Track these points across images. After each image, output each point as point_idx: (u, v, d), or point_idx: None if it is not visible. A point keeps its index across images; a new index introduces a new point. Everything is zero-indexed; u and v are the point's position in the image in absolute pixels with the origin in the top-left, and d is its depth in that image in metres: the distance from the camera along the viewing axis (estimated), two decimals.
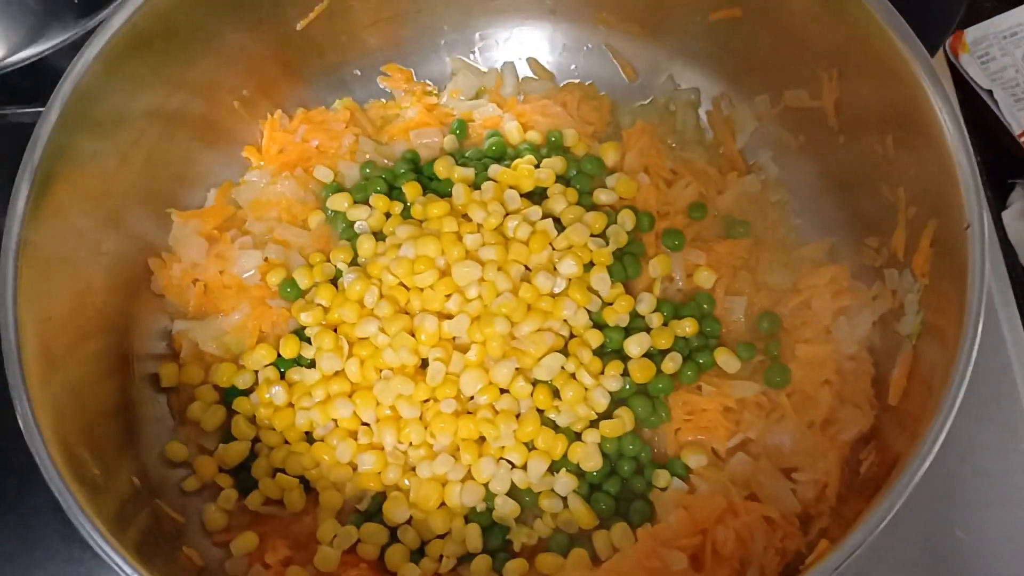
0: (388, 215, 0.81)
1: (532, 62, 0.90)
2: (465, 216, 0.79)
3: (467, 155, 0.85)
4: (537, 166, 0.82)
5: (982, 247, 0.59)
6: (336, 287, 0.78)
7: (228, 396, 0.76)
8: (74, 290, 0.70)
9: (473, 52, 0.90)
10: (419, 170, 0.85)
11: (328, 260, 0.80)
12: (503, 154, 0.84)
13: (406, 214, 0.81)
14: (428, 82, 0.90)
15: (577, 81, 0.90)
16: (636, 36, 0.86)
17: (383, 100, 0.90)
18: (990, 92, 0.93)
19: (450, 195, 0.80)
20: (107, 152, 0.72)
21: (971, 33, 0.95)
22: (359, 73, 0.88)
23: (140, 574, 0.57)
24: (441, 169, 0.82)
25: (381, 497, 0.72)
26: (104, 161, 0.72)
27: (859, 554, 0.56)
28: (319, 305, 0.77)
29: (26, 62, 0.88)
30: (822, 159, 0.78)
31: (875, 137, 0.70)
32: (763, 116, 0.82)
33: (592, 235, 0.78)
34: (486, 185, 0.79)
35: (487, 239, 0.76)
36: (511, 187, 0.80)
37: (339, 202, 0.82)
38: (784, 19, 0.73)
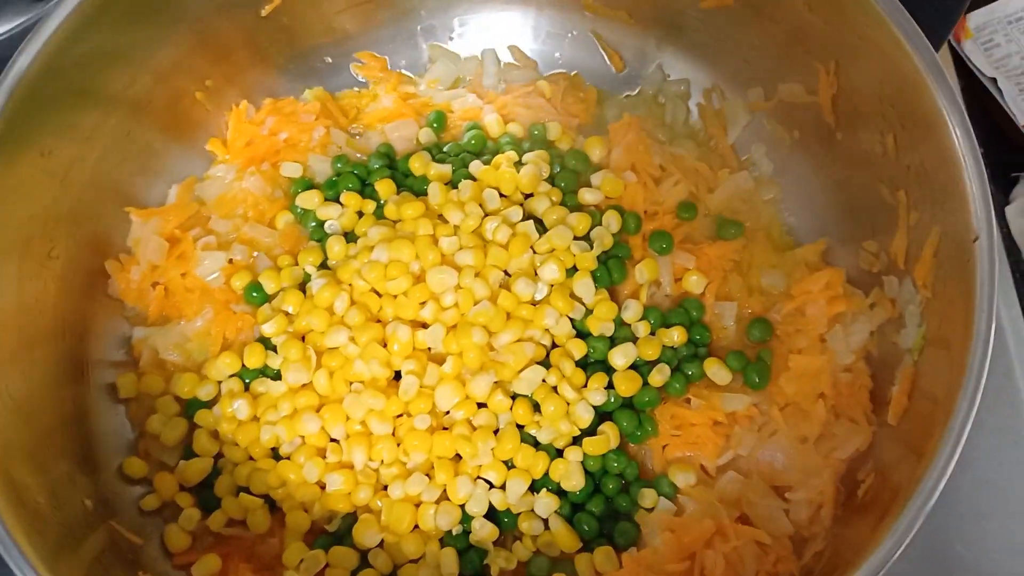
0: (360, 214, 0.77)
1: (514, 50, 0.85)
2: (441, 217, 0.74)
3: (445, 150, 0.81)
4: (519, 161, 0.77)
5: (991, 261, 0.55)
6: (304, 292, 0.74)
7: (190, 408, 0.72)
8: (21, 292, 0.65)
9: (452, 39, 0.85)
10: (393, 165, 0.80)
11: (296, 263, 0.76)
12: (483, 148, 0.80)
13: (379, 213, 0.77)
14: (404, 71, 0.85)
15: (562, 71, 0.85)
16: (624, 23, 0.81)
17: (356, 89, 0.85)
18: (994, 80, 0.90)
19: (426, 194, 0.76)
20: (62, 143, 0.68)
21: (974, 18, 0.92)
22: (330, 61, 0.84)
23: None
24: (417, 166, 0.78)
25: (351, 519, 0.68)
26: (59, 153, 0.67)
27: None
28: (285, 312, 0.73)
29: None
30: (818, 156, 0.74)
31: (875, 135, 0.66)
32: (757, 110, 0.78)
33: (576, 238, 0.74)
34: (464, 184, 0.75)
35: (464, 242, 0.72)
36: (490, 187, 0.76)
37: (309, 199, 0.77)
38: (779, 8, 0.69)
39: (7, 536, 0.53)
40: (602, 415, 0.71)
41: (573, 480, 0.68)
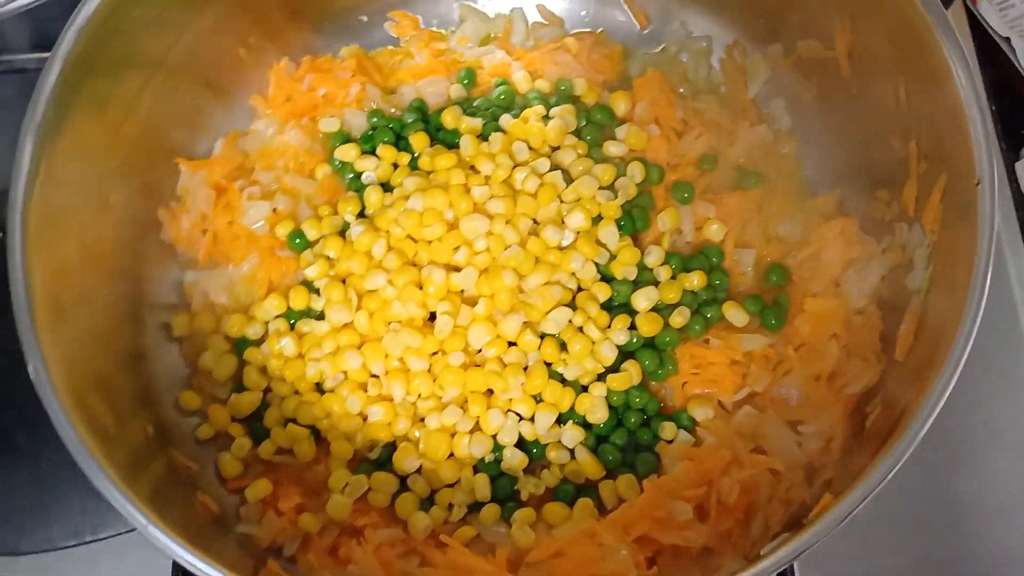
0: (396, 166, 0.81)
1: (541, 8, 0.89)
2: (473, 168, 0.78)
3: (475, 104, 0.84)
4: (547, 116, 0.81)
5: (992, 203, 0.58)
6: (344, 239, 0.78)
7: (239, 346, 0.77)
8: (83, 241, 0.70)
9: None
10: (426, 119, 0.84)
11: (335, 212, 0.80)
12: (512, 103, 0.84)
13: (413, 165, 0.81)
14: (436, 29, 0.89)
15: (588, 29, 0.88)
16: None
17: (390, 47, 0.88)
18: (1008, 40, 0.91)
19: (457, 146, 0.80)
20: (113, 101, 0.72)
21: None
22: (366, 19, 0.87)
23: (152, 522, 0.58)
24: (449, 119, 0.82)
25: (391, 447, 0.73)
26: (110, 111, 0.72)
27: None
28: (327, 257, 0.77)
29: (24, 8, 0.86)
30: (835, 110, 0.78)
31: (888, 88, 0.69)
32: (776, 65, 0.81)
33: (601, 187, 0.77)
34: (494, 136, 0.79)
35: (495, 191, 0.76)
36: (519, 140, 0.80)
37: (346, 152, 0.81)
38: None
39: (85, 452, 0.58)
40: (625, 354, 0.75)
41: (597, 413, 0.72)
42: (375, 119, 0.83)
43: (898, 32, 0.65)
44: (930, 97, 0.64)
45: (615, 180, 0.78)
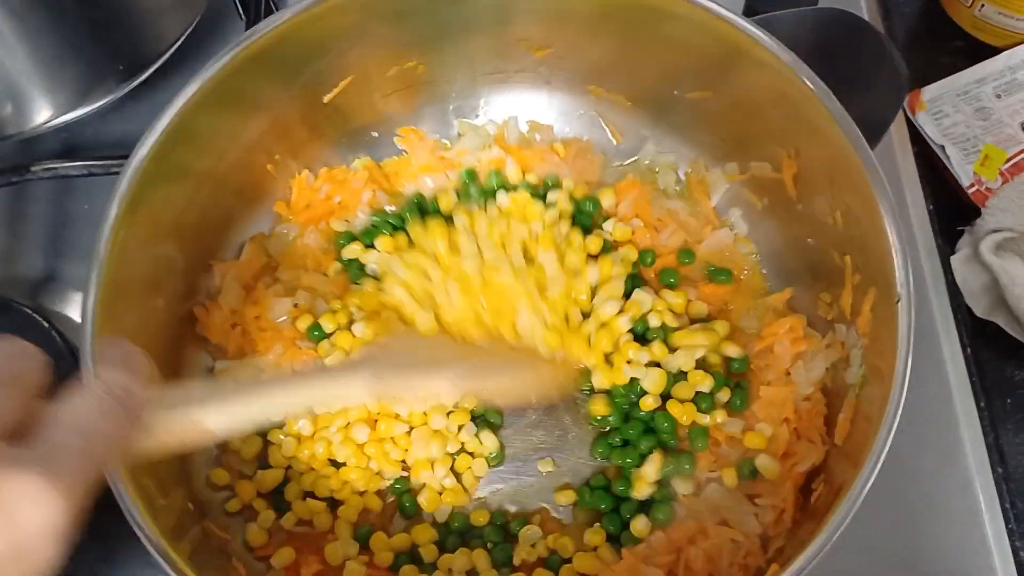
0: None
1: (531, 123, 1.00)
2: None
3: (470, 191, 0.95)
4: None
5: (909, 316, 0.69)
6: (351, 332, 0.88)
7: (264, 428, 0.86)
8: (134, 328, 0.79)
9: (478, 115, 1.00)
10: (424, 209, 0.94)
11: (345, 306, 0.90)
12: (503, 186, 0.94)
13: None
14: (439, 138, 1.00)
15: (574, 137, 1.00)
16: (622, 105, 0.96)
17: (396, 156, 0.99)
18: (943, 147, 1.02)
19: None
20: (164, 215, 0.82)
21: (928, 92, 1.05)
22: (376, 135, 0.99)
23: None
24: (444, 202, 0.93)
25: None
26: (162, 223, 0.82)
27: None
28: (340, 348, 0.87)
29: (69, 122, 0.96)
30: (783, 221, 0.89)
31: (827, 211, 0.81)
32: (733, 180, 0.93)
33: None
34: (489, 212, 0.90)
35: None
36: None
37: (351, 250, 0.92)
38: (749, 103, 0.84)
39: (142, 522, 0.67)
40: None
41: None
42: (375, 217, 0.94)
43: (833, 168, 0.77)
44: (860, 224, 0.75)
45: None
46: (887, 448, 0.68)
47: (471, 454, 0.85)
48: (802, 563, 0.67)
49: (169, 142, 0.77)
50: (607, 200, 0.94)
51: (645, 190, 0.94)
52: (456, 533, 0.83)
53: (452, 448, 0.85)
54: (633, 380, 0.85)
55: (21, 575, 0.39)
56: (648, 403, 0.85)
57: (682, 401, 0.84)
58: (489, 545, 0.81)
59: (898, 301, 0.70)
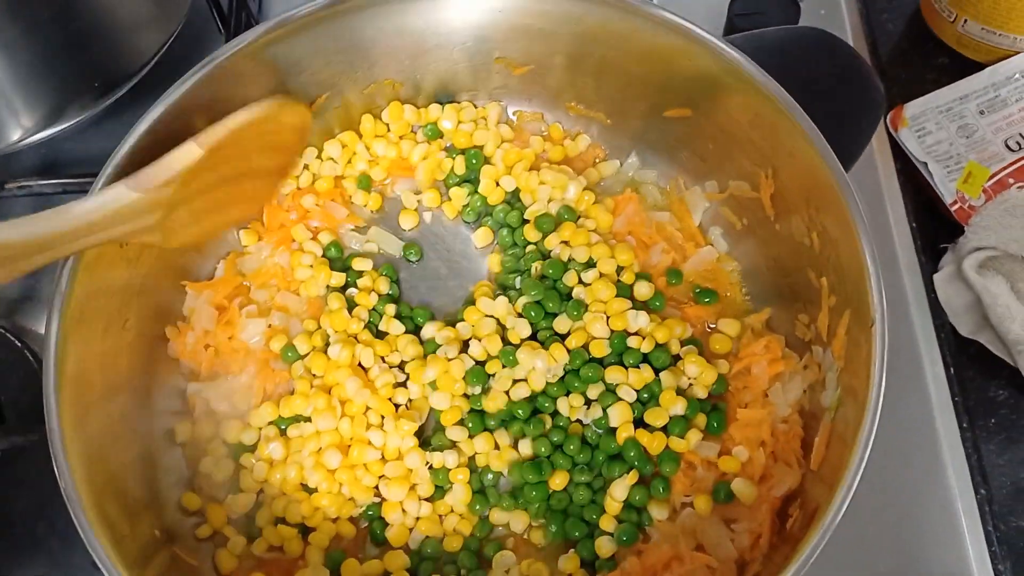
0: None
1: (519, 113, 0.99)
2: None
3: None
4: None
5: (883, 340, 0.68)
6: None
7: (236, 451, 0.85)
8: (103, 351, 0.78)
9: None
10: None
11: (319, 326, 0.89)
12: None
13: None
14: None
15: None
16: (602, 123, 0.96)
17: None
18: (925, 164, 1.02)
19: None
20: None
21: (911, 108, 1.04)
22: None
23: None
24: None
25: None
26: (130, 246, 0.80)
27: None
28: (312, 373, 0.87)
29: (44, 139, 0.96)
30: (762, 240, 0.88)
31: (804, 231, 0.80)
32: (712, 199, 0.92)
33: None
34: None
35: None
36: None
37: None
38: (727, 122, 0.84)
39: (102, 552, 0.67)
40: None
41: None
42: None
43: (809, 189, 0.76)
44: (836, 246, 0.74)
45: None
46: (860, 472, 0.67)
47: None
48: None
49: (137, 160, 0.76)
50: (603, 217, 0.93)
51: (640, 207, 0.94)
52: (429, 559, 0.82)
53: (424, 492, 0.84)
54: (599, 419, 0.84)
55: None
56: (621, 436, 0.83)
57: (652, 430, 0.83)
58: (463, 571, 0.80)
59: (872, 324, 0.69)
